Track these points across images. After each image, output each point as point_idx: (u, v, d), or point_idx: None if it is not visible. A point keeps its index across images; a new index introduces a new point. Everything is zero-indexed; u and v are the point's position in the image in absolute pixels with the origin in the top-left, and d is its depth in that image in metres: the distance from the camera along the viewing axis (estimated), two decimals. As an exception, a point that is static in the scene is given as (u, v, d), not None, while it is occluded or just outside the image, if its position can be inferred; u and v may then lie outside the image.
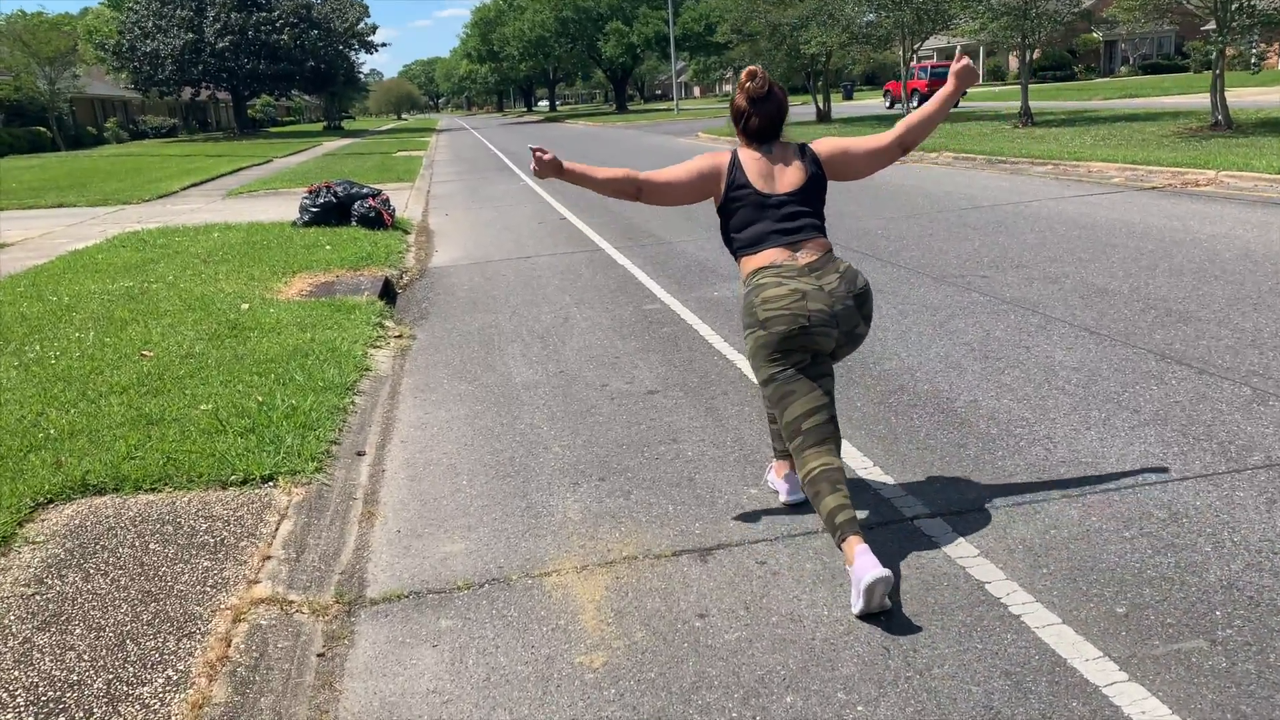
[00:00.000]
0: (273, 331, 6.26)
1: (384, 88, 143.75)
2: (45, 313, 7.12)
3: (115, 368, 5.52)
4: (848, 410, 4.56)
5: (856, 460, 3.97)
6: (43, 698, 2.60)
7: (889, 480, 3.77)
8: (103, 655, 2.79)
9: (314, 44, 55.34)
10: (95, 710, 2.54)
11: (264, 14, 53.41)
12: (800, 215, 3.25)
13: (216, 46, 51.93)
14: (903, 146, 3.41)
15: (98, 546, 3.49)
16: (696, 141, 27.86)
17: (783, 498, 3.60)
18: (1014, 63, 60.02)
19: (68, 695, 2.61)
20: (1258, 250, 7.41)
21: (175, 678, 2.67)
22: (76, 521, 3.69)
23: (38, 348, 6.05)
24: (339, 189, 11.79)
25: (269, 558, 3.39)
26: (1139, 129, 17.95)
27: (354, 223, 11.42)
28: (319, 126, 71.80)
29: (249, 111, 66.77)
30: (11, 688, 2.65)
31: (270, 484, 3.97)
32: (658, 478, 3.95)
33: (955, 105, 3.16)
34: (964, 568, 3.07)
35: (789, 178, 3.29)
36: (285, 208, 13.67)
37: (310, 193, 11.85)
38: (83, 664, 2.75)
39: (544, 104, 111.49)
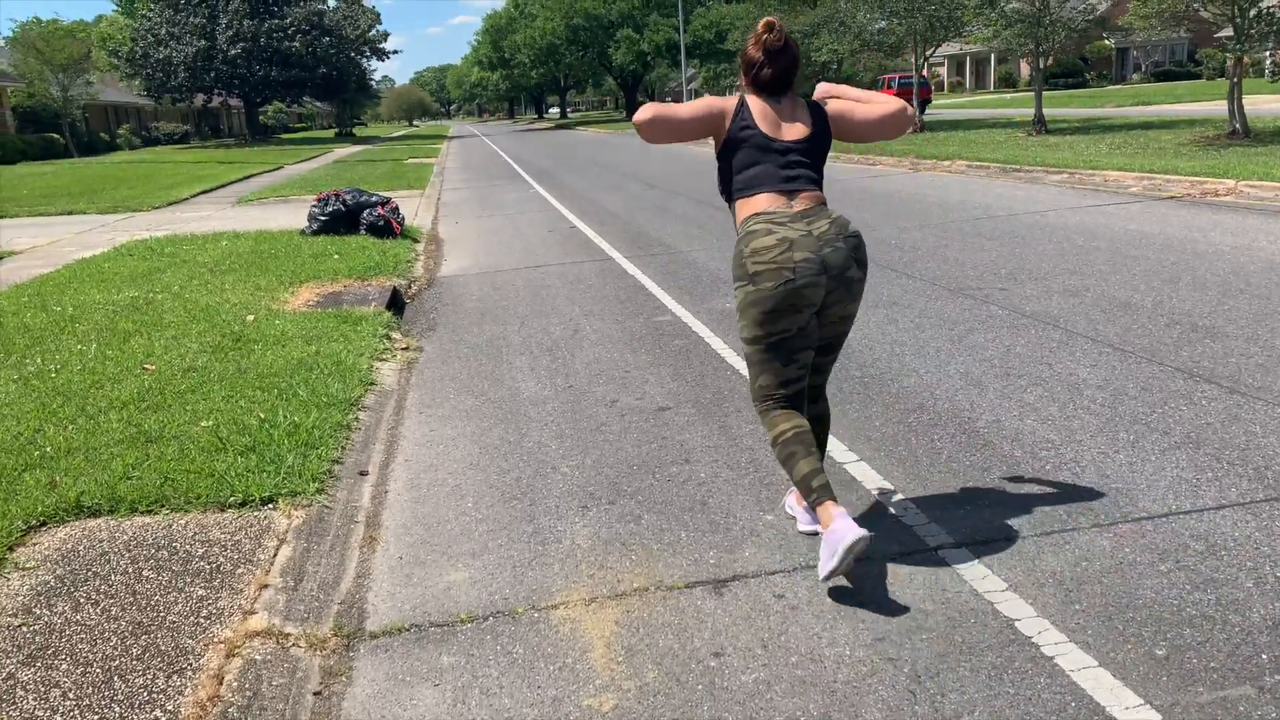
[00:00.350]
0: (277, 344, 6.15)
1: (396, 94, 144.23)
2: (48, 323, 7.02)
3: (116, 382, 5.41)
4: (866, 430, 4.42)
5: (875, 483, 3.83)
6: (24, 740, 2.48)
7: (911, 506, 3.62)
8: (88, 694, 2.66)
9: (326, 51, 55.44)
10: (78, 754, 2.42)
11: (276, 21, 53.52)
12: (800, 165, 3.23)
13: (229, 54, 52.05)
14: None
15: (89, 573, 3.36)
16: (707, 147, 27.73)
17: (801, 526, 3.45)
18: (1025, 70, 59.81)
19: (50, 737, 2.48)
20: (1283, 263, 7.24)
21: (164, 719, 2.54)
22: (69, 546, 3.57)
23: (39, 360, 5.95)
24: (348, 197, 11.70)
25: (266, 586, 3.26)
26: (1155, 137, 17.76)
27: (363, 231, 11.32)
28: (330, 133, 71.94)
29: (261, 118, 66.93)
30: (-8, 728, 2.53)
31: (270, 506, 3.84)
32: (669, 501, 3.81)
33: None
34: (992, 603, 2.93)
35: (796, 129, 3.26)
36: (295, 215, 13.59)
37: (319, 201, 11.76)
38: (67, 703, 2.63)
39: (555, 111, 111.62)
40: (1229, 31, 15.88)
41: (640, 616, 2.98)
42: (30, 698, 2.66)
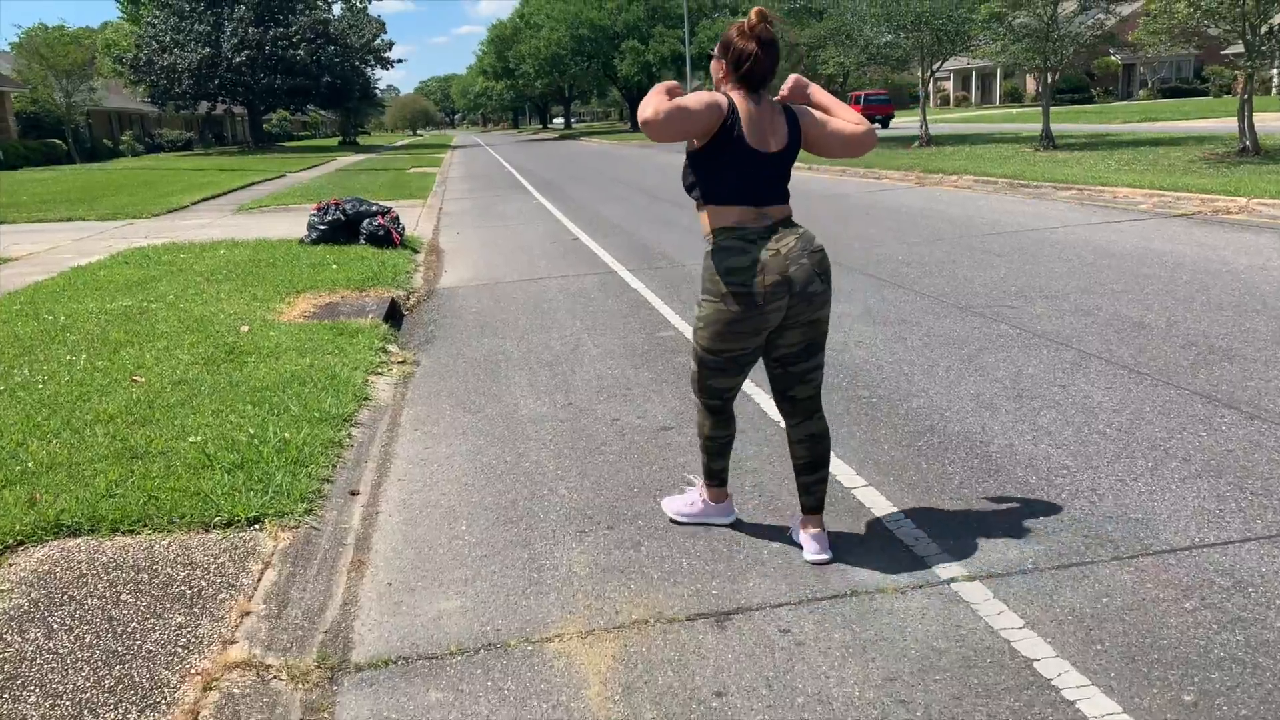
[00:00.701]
0: (271, 356, 6.02)
1: (400, 103, 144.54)
2: (39, 333, 6.89)
3: (104, 394, 5.28)
4: (874, 453, 4.28)
5: (886, 512, 3.68)
6: (-16, 781, 2.34)
7: (922, 535, 3.47)
8: (55, 730, 2.52)
9: (330, 59, 55.45)
10: (40, 798, 2.27)
11: (281, 29, 53.55)
12: (775, 179, 3.22)
13: (233, 61, 52.08)
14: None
15: (65, 597, 3.22)
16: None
17: (807, 555, 3.31)
18: (1031, 85, 59.81)
19: (12, 778, 2.34)
20: (1298, 283, 7.10)
21: (132, 759, 2.40)
22: (46, 567, 3.43)
23: (26, 371, 5.82)
24: (348, 206, 11.58)
25: (248, 613, 3.12)
26: (1164, 153, 17.64)
27: (362, 241, 11.20)
28: (334, 141, 71.99)
29: (265, 126, 66.99)
30: (-49, 767, 2.39)
31: (256, 527, 3.70)
32: (670, 527, 3.66)
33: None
34: (1009, 641, 2.78)
35: (776, 138, 3.19)
36: (295, 224, 13.47)
37: (318, 210, 11.64)
38: (32, 740, 2.49)
39: (559, 121, 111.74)
40: (1237, 48, 15.77)
41: (639, 651, 2.84)
42: (-7, 734, 2.52)
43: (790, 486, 3.92)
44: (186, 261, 10.25)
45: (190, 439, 4.51)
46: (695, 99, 3.08)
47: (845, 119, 3.28)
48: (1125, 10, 23.87)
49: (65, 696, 2.67)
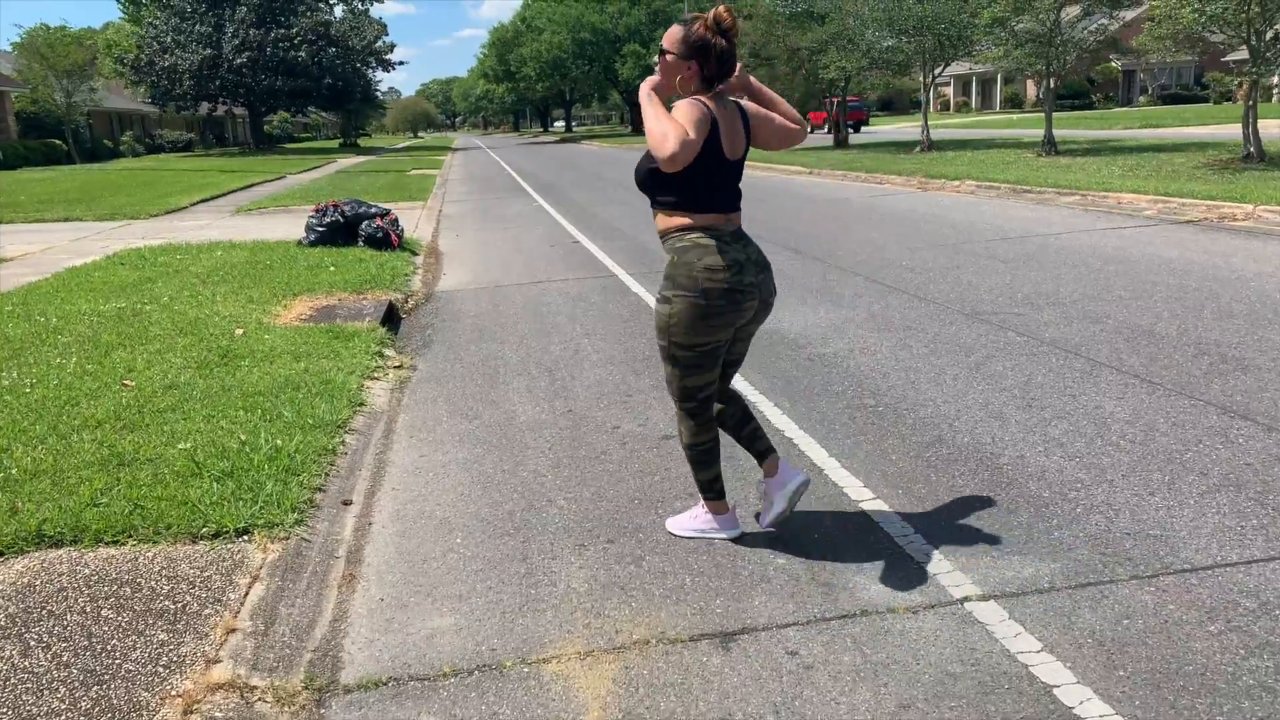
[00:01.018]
0: (265, 360, 5.90)
1: (401, 106, 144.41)
2: (30, 334, 6.77)
3: (93, 398, 5.16)
4: (882, 464, 4.16)
5: (895, 527, 3.57)
6: (-50, 811, 2.22)
7: (933, 551, 3.35)
8: (27, 756, 2.40)
9: (332, 61, 55.36)
10: (8, 830, 2.15)
11: (282, 31, 53.46)
12: (737, 184, 3.26)
13: (234, 62, 51.99)
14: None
15: (44, 612, 3.10)
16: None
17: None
18: (1031, 90, 59.73)
19: (-21, 808, 2.22)
20: (1310, 291, 6.99)
21: (107, 788, 2.28)
22: (25, 580, 3.31)
23: (15, 374, 5.70)
24: (346, 208, 11.47)
25: (234, 630, 3.00)
26: (1167, 160, 17.53)
27: (361, 243, 11.09)
28: (335, 143, 71.91)
29: (266, 127, 66.87)
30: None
31: (245, 538, 3.58)
32: (673, 541, 3.55)
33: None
34: (1027, 665, 2.66)
35: (738, 142, 3.20)
36: (294, 225, 13.36)
37: (317, 211, 11.53)
38: (2, 766, 2.37)
39: (560, 124, 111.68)
40: (1239, 55, 15.66)
41: (640, 674, 2.72)
42: (-39, 760, 2.40)
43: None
44: (183, 263, 10.13)
45: (180, 445, 4.40)
46: (691, 117, 2.93)
47: (784, 114, 3.34)
48: (1128, 15, 23.77)
49: (39, 719, 2.55)
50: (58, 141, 43.94)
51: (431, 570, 3.42)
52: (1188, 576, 3.09)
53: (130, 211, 17.13)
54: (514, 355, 6.49)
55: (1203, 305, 6.74)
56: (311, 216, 11.48)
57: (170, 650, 2.87)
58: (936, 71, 26.08)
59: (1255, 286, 7.28)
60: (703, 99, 3.05)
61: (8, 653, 2.87)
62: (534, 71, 69.17)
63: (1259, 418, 4.47)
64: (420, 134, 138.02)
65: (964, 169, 18.24)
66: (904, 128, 45.05)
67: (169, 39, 51.88)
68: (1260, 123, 16.21)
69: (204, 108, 56.99)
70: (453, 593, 3.24)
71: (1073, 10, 20.49)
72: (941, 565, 3.25)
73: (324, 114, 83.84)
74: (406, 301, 8.47)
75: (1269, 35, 14.88)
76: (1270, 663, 2.62)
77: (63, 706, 2.60)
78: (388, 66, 62.65)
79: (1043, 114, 21.80)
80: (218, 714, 2.59)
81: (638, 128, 71.57)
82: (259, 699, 2.68)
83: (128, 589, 3.23)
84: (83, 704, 2.61)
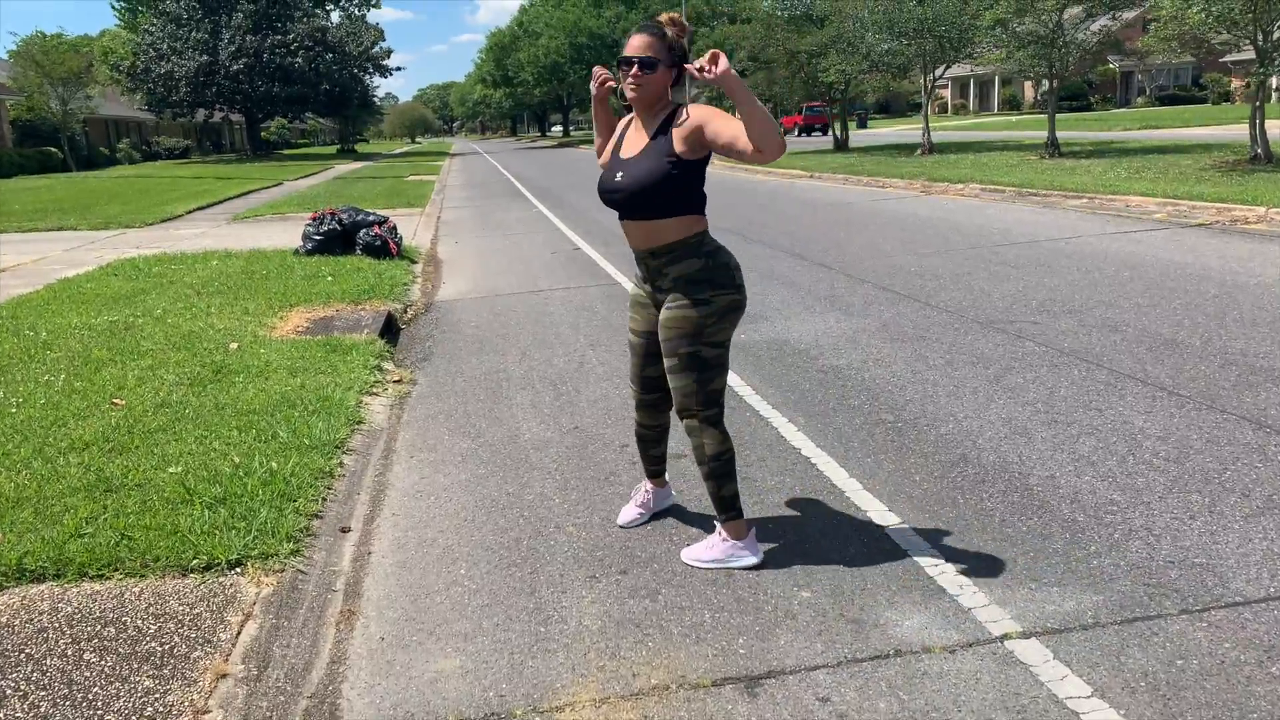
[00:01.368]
0: (260, 376, 5.71)
1: (398, 111, 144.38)
2: (18, 350, 6.58)
3: (81, 418, 4.97)
4: (906, 486, 3.97)
5: (925, 554, 3.38)
6: None
7: (967, 583, 3.16)
8: (-3, 824, 2.21)
9: (329, 67, 55.20)
10: None
11: (279, 37, 53.29)
12: None
13: (231, 69, 51.82)
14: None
15: (22, 655, 2.91)
16: (712, 167, 27.34)
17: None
18: (1029, 92, 59.62)
19: None
20: (1333, 297, 6.81)
21: None
22: (4, 619, 3.12)
23: (1, 392, 5.51)
24: (344, 216, 11.28)
25: (225, 675, 2.81)
26: (1173, 161, 17.36)
27: (359, 251, 10.90)
28: (332, 149, 71.76)
29: (263, 134, 66.69)
30: None
31: (237, 570, 3.39)
32: (689, 572, 3.36)
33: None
34: (1078, 713, 2.47)
35: None
36: (291, 234, 13.18)
37: (314, 220, 11.34)
38: (-30, 837, 2.17)
39: (557, 129, 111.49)
40: (1238, 55, 15.49)
41: (661, 724, 2.53)
42: (-74, 830, 2.20)
43: (812, 514, 3.63)
44: (177, 273, 9.94)
45: (170, 469, 4.21)
46: (731, 121, 3.00)
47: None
48: (1129, 15, 23.58)
49: (13, 779, 2.36)
50: (53, 149, 43.73)
51: (435, 605, 3.23)
52: (1241, 610, 2.90)
53: (125, 220, 16.93)
54: (516, 368, 6.30)
55: (1224, 313, 6.56)
56: (308, 225, 11.29)
57: (155, 700, 2.68)
58: (936, 74, 25.92)
59: (1276, 293, 7.09)
60: (683, 100, 3.19)
61: (-19, 703, 2.68)
62: (531, 76, 69.00)
63: (1297, 433, 4.29)
64: (418, 139, 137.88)
65: (967, 172, 18.07)
66: (903, 130, 44.90)
67: (165, 46, 51.70)
68: (1268, 123, 16.04)
69: (200, 114, 56.84)
70: (457, 630, 3.05)
71: (1074, 11, 20.33)
72: (977, 598, 3.06)
73: (321, 120, 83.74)
74: (405, 312, 8.28)
75: (1276, 35, 14.72)
76: (1340, 709, 2.43)
77: (38, 765, 2.41)
78: (385, 72, 62.50)
79: (1042, 115, 21.64)
80: (206, 772, 2.40)
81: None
82: (251, 754, 2.49)
83: (112, 629, 3.04)
84: (60, 762, 2.42)
